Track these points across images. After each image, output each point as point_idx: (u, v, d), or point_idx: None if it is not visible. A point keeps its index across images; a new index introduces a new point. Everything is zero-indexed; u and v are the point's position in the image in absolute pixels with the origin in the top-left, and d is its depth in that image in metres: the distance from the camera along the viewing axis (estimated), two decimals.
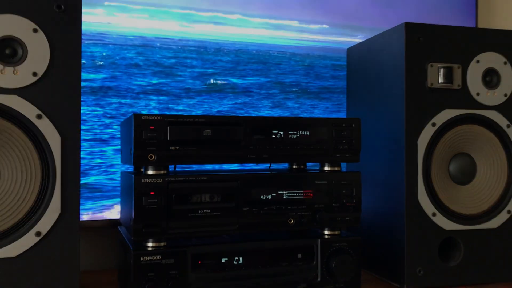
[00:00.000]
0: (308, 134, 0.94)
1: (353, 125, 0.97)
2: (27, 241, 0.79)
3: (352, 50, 1.29)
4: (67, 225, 0.81)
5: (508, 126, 1.10)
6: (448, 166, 1.09)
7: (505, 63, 1.10)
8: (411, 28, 1.04)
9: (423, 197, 1.04)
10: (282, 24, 1.37)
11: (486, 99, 1.09)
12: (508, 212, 1.10)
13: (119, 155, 1.13)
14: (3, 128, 0.79)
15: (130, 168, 1.10)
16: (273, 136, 0.92)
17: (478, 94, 1.09)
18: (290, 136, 0.93)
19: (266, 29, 1.35)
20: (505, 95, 1.10)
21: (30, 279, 0.79)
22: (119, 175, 1.15)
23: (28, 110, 0.80)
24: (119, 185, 1.17)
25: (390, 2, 1.50)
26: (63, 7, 0.82)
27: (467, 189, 1.10)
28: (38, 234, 0.80)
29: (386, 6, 1.49)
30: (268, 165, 1.13)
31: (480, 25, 1.63)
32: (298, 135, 0.94)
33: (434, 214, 1.05)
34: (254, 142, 0.90)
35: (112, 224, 1.19)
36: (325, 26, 1.42)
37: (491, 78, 1.11)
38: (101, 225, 1.20)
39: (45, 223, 0.80)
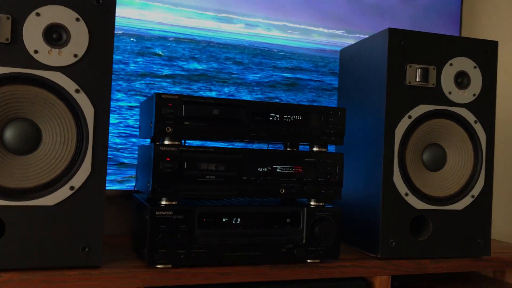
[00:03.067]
0: (300, 118, 1.10)
1: (339, 113, 1.13)
2: (63, 193, 0.95)
3: (344, 51, 1.44)
4: (95, 182, 0.97)
5: (475, 122, 1.25)
6: (421, 154, 1.24)
7: (475, 67, 1.25)
8: (393, 33, 1.19)
9: (397, 179, 1.18)
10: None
11: (457, 97, 1.24)
12: (472, 196, 1.24)
13: None
14: (48, 99, 0.95)
15: (147, 142, 1.26)
16: (271, 119, 1.08)
17: (450, 93, 1.24)
18: (285, 119, 1.09)
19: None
20: (474, 95, 1.25)
21: (63, 225, 0.95)
22: None
23: (69, 85, 0.95)
24: None
25: (385, 12, 1.66)
26: (101, 1, 0.98)
27: (438, 175, 1.24)
28: (72, 188, 0.95)
29: (386, 16, 1.66)
30: (265, 148, 1.30)
31: (463, 34, 1.79)
32: (292, 119, 1.10)
33: (406, 194, 1.19)
34: (255, 122, 1.07)
35: (124, 194, 1.36)
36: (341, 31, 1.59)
37: (462, 79, 1.25)
38: (113, 195, 1.35)
39: (78, 179, 0.96)
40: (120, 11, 1.34)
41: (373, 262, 1.16)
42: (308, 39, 1.57)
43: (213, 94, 1.45)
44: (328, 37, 1.59)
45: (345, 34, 1.61)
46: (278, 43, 1.54)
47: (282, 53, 1.55)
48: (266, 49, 1.53)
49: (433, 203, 1.22)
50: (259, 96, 1.50)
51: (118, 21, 1.33)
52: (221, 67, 1.47)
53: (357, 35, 1.63)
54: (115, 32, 1.28)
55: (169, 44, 1.42)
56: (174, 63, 1.42)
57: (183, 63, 1.43)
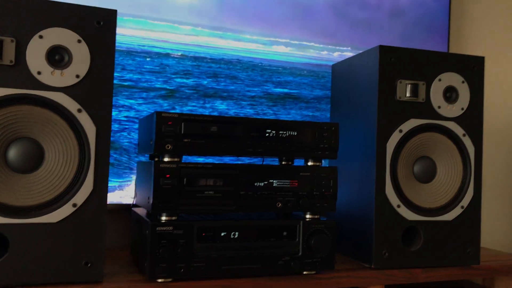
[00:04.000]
0: (295, 134, 1.14)
1: (333, 128, 1.17)
2: (66, 210, 0.97)
3: (336, 66, 1.48)
4: (97, 199, 0.99)
5: (464, 135, 1.29)
6: (412, 166, 1.28)
7: (463, 82, 1.29)
8: (384, 50, 1.24)
9: (390, 191, 1.22)
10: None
11: (446, 111, 1.28)
12: (462, 207, 1.28)
13: None
14: (51, 119, 0.97)
15: (146, 158, 1.29)
16: (267, 135, 1.11)
17: (439, 107, 1.28)
18: (280, 135, 1.13)
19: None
20: (462, 109, 1.29)
21: (66, 241, 0.97)
22: None
23: (71, 105, 0.98)
24: None
25: (374, 28, 1.71)
26: (101, 23, 1.01)
27: (428, 186, 1.27)
28: (74, 205, 0.98)
29: (375, 31, 1.71)
30: (261, 162, 1.33)
31: (451, 50, 1.84)
32: (287, 134, 1.13)
33: (398, 206, 1.23)
34: (251, 138, 1.10)
35: (122, 208, 1.38)
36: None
37: (450, 94, 1.29)
38: (112, 208, 1.38)
39: (80, 196, 0.98)
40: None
41: (367, 273, 1.19)
42: (298, 54, 1.61)
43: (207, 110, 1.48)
44: (319, 51, 1.63)
45: (336, 48, 1.66)
46: (268, 58, 1.58)
47: (272, 68, 1.58)
48: (260, 64, 1.56)
49: (424, 214, 1.25)
50: (263, 109, 1.54)
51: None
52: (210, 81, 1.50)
53: (348, 47, 1.67)
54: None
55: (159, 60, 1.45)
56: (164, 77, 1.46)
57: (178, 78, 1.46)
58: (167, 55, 1.46)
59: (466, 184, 1.29)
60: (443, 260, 1.27)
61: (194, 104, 1.47)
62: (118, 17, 1.37)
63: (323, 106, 1.63)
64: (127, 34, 1.42)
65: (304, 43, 1.62)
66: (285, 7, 1.59)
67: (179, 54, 1.47)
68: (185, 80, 1.47)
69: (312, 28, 1.63)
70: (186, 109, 1.46)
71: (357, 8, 1.68)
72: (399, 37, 1.74)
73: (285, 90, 1.59)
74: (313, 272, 1.13)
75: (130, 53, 1.42)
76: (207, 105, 1.48)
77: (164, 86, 1.45)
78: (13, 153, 0.96)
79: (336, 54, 1.65)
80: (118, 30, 1.34)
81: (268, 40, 1.57)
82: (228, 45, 1.52)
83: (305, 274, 1.13)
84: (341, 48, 1.66)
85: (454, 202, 1.29)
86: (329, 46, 1.65)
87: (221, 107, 1.50)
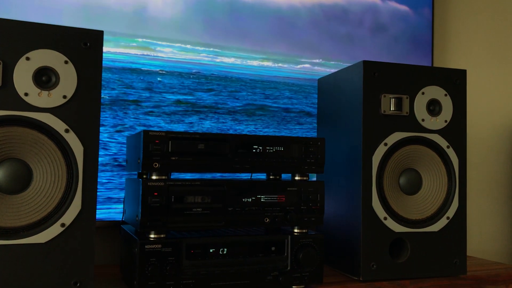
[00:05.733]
0: (282, 149, 1.15)
1: (319, 143, 1.18)
2: (54, 230, 0.97)
3: (322, 81, 1.50)
4: (86, 219, 1.00)
5: (448, 147, 1.31)
6: (398, 179, 1.30)
7: (445, 95, 1.32)
8: (368, 65, 1.26)
9: (376, 204, 1.23)
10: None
11: (430, 124, 1.31)
12: (447, 218, 1.30)
13: None
14: (38, 139, 0.98)
15: (134, 175, 1.30)
16: (254, 151, 1.13)
17: (423, 120, 1.30)
18: (267, 151, 1.14)
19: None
20: (446, 121, 1.32)
21: (55, 261, 0.97)
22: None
23: (58, 125, 0.99)
24: None
25: (356, 42, 1.74)
26: (88, 44, 1.02)
27: (414, 198, 1.29)
28: (63, 225, 0.98)
29: (358, 46, 1.74)
30: (249, 175, 1.34)
31: (435, 64, 1.87)
32: (274, 150, 1.14)
33: (385, 218, 1.24)
34: (238, 155, 1.11)
35: (111, 225, 1.39)
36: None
37: (434, 107, 1.31)
38: (101, 226, 1.38)
39: (69, 216, 0.98)
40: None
41: (355, 285, 1.20)
42: (282, 68, 1.64)
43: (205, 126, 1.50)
44: (303, 65, 1.66)
45: (321, 62, 1.68)
46: (251, 72, 1.60)
47: (257, 82, 1.61)
48: (248, 79, 1.58)
49: (410, 225, 1.27)
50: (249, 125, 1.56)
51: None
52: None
53: (332, 62, 1.70)
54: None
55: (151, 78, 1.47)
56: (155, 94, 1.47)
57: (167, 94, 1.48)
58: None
59: (451, 195, 1.31)
60: (430, 271, 1.28)
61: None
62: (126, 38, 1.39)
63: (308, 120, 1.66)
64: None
65: (289, 58, 1.64)
66: (269, 23, 1.62)
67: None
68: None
69: (296, 43, 1.65)
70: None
71: (338, 24, 1.71)
72: (383, 50, 1.77)
73: (276, 104, 1.61)
74: (302, 287, 1.14)
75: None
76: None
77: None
78: (1, 174, 0.96)
79: (319, 68, 1.68)
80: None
81: (250, 56, 1.59)
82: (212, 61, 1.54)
83: None
84: (327, 62, 1.69)
85: (440, 213, 1.31)
86: (314, 61, 1.67)
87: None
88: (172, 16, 1.50)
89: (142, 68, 1.47)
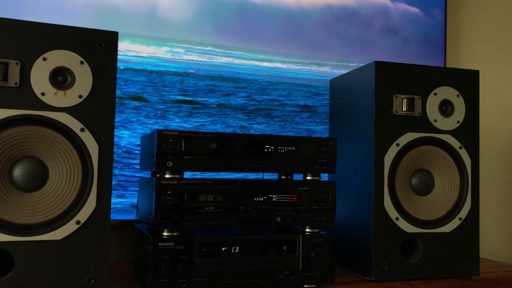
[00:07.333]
0: (293, 149, 1.16)
1: (331, 143, 1.19)
2: (69, 227, 0.99)
3: (334, 81, 1.51)
4: (100, 216, 1.01)
5: (460, 147, 1.31)
6: (410, 179, 1.29)
7: (458, 95, 1.32)
8: (380, 66, 1.26)
9: (388, 204, 1.23)
10: None
11: (442, 125, 1.30)
12: (460, 219, 1.29)
13: None
14: (54, 138, 1.00)
15: (148, 174, 1.31)
16: (265, 150, 1.14)
17: (435, 120, 1.30)
18: (279, 150, 1.15)
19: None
20: (458, 122, 1.31)
21: (70, 258, 0.99)
22: None
23: (74, 124, 1.01)
24: None
25: (367, 44, 1.74)
26: (103, 44, 1.04)
27: (426, 199, 1.29)
28: (78, 222, 1.00)
29: (368, 48, 1.74)
30: (259, 176, 1.35)
31: (448, 65, 1.87)
32: (285, 150, 1.15)
33: (397, 219, 1.24)
34: (250, 154, 1.12)
35: (125, 223, 1.40)
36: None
37: (446, 107, 1.31)
38: (115, 225, 1.40)
39: (84, 214, 1.00)
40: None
41: (367, 285, 1.20)
42: (293, 70, 1.65)
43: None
44: (315, 67, 1.67)
45: (331, 64, 1.69)
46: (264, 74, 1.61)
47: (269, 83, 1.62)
48: (259, 80, 1.60)
49: (422, 226, 1.27)
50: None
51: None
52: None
53: (344, 63, 1.70)
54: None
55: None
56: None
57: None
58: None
59: (464, 196, 1.30)
60: (442, 272, 1.28)
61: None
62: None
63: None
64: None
65: (299, 59, 1.65)
66: (278, 25, 1.63)
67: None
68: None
69: (306, 45, 1.66)
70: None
71: (348, 25, 1.72)
72: (393, 52, 1.77)
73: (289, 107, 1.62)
74: (313, 286, 1.14)
75: None
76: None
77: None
78: (18, 172, 0.98)
79: (328, 69, 1.68)
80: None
81: (262, 57, 1.60)
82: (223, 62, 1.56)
83: (305, 287, 1.14)
84: (337, 64, 1.70)
85: (452, 214, 1.30)
86: (325, 62, 1.68)
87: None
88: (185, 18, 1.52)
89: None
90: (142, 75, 1.47)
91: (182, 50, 1.52)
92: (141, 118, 1.46)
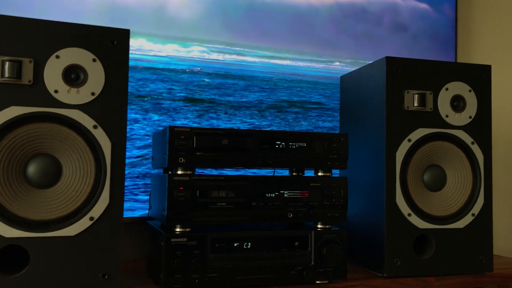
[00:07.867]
0: (305, 145, 1.16)
1: (342, 139, 1.19)
2: (83, 224, 1.00)
3: (344, 78, 1.51)
4: (113, 213, 1.02)
5: (472, 143, 1.30)
6: (422, 175, 1.29)
7: (470, 90, 1.31)
8: (391, 61, 1.26)
9: (400, 200, 1.23)
10: None
11: (454, 120, 1.30)
12: (473, 215, 1.28)
13: None
14: (68, 135, 1.01)
15: (160, 172, 1.32)
16: (277, 146, 1.14)
17: (447, 116, 1.29)
18: (290, 146, 1.15)
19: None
20: (470, 117, 1.30)
21: (84, 254, 1.00)
22: None
23: (87, 121, 1.02)
24: None
25: (376, 41, 1.74)
26: (115, 42, 1.05)
27: (438, 195, 1.29)
28: (91, 218, 1.01)
29: (377, 44, 1.74)
30: (270, 172, 1.35)
31: (459, 60, 1.86)
32: (297, 146, 1.15)
33: (409, 215, 1.24)
34: (262, 150, 1.12)
35: (138, 220, 1.41)
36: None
37: (458, 103, 1.30)
38: (128, 222, 1.41)
39: (97, 210, 1.01)
40: None
41: (380, 281, 1.20)
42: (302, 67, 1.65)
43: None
44: (323, 63, 1.67)
45: (341, 60, 1.69)
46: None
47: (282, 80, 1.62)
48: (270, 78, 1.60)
49: (435, 222, 1.26)
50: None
51: None
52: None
53: (353, 60, 1.70)
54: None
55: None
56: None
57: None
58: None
59: (476, 192, 1.30)
60: (455, 268, 1.27)
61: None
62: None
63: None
64: None
65: (308, 57, 1.65)
66: (287, 23, 1.63)
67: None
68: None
69: (315, 42, 1.66)
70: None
71: (357, 22, 1.71)
72: (403, 49, 1.76)
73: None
74: (325, 282, 1.14)
75: None
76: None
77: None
78: (32, 169, 0.99)
79: (339, 65, 1.68)
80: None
81: (272, 55, 1.60)
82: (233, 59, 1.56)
83: (317, 283, 1.14)
84: (345, 60, 1.69)
85: (465, 210, 1.29)
86: (335, 59, 1.68)
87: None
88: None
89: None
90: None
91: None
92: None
